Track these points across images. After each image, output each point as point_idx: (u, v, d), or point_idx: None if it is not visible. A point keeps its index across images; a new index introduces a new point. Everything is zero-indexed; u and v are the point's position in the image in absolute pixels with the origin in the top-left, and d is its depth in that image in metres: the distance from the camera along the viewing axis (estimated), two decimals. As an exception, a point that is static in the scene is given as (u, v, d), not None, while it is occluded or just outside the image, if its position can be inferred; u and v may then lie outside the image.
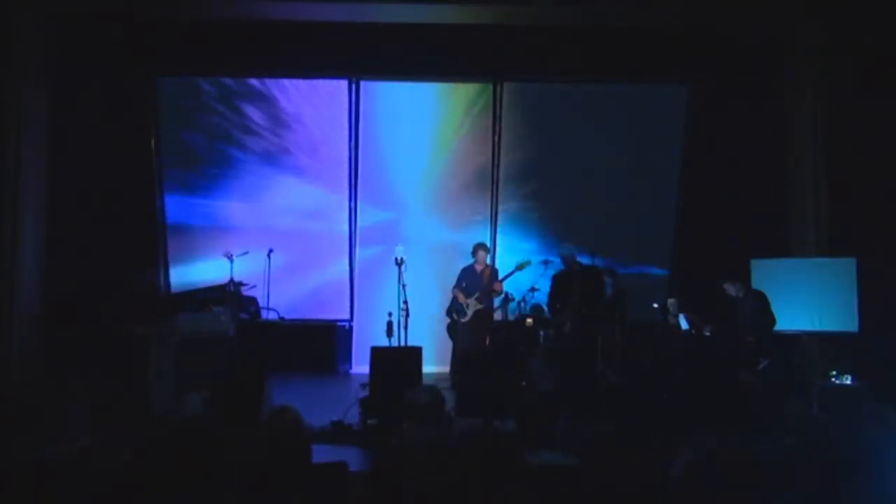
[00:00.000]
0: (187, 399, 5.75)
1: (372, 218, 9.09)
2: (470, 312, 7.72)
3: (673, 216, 8.96)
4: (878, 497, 2.46)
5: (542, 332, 7.45)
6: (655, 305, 7.97)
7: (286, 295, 8.72)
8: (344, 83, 8.78)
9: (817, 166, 7.79)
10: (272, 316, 8.27)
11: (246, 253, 8.14)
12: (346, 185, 8.95)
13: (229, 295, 7.22)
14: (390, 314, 7.40)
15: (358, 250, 9.04)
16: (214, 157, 8.77)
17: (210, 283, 8.04)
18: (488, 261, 8.11)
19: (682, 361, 6.76)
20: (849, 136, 7.50)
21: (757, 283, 7.11)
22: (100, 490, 2.71)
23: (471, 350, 7.64)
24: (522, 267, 7.78)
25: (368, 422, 5.90)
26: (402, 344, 7.01)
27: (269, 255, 8.44)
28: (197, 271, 8.56)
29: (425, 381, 6.20)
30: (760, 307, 6.65)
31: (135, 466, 2.58)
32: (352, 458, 3.97)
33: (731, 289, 6.81)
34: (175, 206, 8.80)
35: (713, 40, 8.12)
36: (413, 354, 6.53)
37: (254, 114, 8.76)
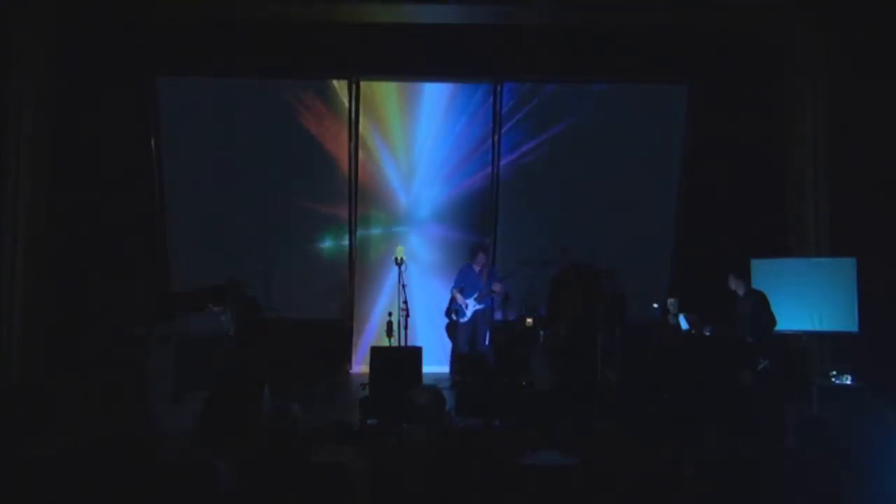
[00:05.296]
0: (187, 399, 5.76)
1: (372, 218, 9.08)
2: (469, 313, 7.72)
3: (673, 216, 8.95)
4: (878, 497, 2.46)
5: (542, 332, 7.45)
6: (655, 305, 7.97)
7: (286, 295, 8.72)
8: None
9: (817, 166, 7.79)
10: (272, 316, 8.27)
11: (246, 252, 8.14)
12: (346, 184, 8.94)
13: (229, 295, 7.21)
14: (390, 314, 7.41)
15: (357, 250, 9.04)
16: (215, 156, 8.76)
17: (210, 283, 8.03)
18: (487, 261, 8.12)
19: (682, 361, 6.76)
20: (849, 135, 7.50)
21: (757, 283, 7.10)
22: (98, 489, 2.71)
23: (470, 350, 7.65)
24: (522, 268, 7.79)
25: (368, 422, 5.90)
26: (402, 344, 7.01)
27: (269, 255, 8.44)
28: (197, 271, 8.55)
29: (425, 381, 6.21)
30: (761, 307, 6.65)
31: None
32: (352, 458, 3.97)
33: (733, 283, 6.82)
34: (175, 206, 8.80)
35: (713, 40, 8.12)
36: (413, 354, 6.54)
37: (255, 112, 8.76)
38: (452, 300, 7.88)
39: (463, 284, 7.84)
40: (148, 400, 5.96)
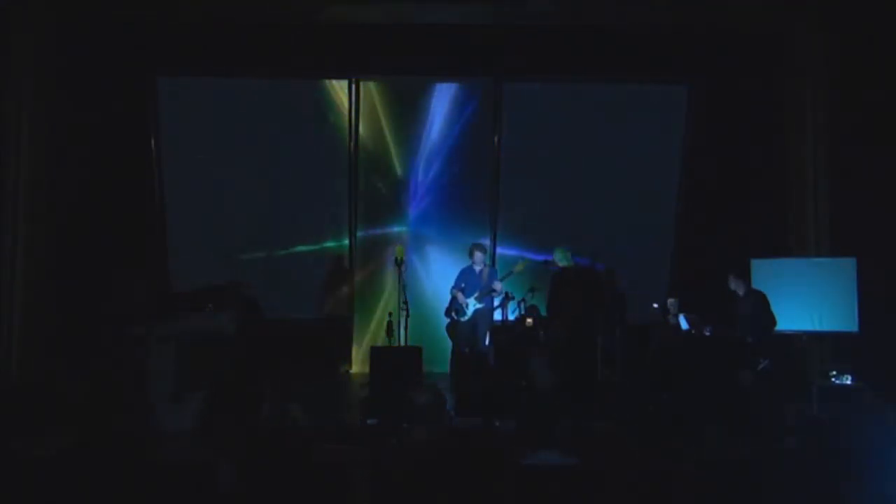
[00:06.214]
0: (187, 399, 5.76)
1: (372, 218, 9.07)
2: (469, 312, 7.72)
3: (673, 216, 8.95)
4: (878, 497, 2.46)
5: (542, 332, 7.45)
6: (655, 305, 7.97)
7: (286, 295, 8.72)
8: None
9: (817, 166, 7.79)
10: (272, 316, 8.26)
11: (246, 252, 8.14)
12: (346, 184, 8.94)
13: (229, 295, 7.22)
14: (390, 314, 7.41)
15: (358, 250, 9.03)
16: (215, 156, 8.76)
17: (210, 283, 8.04)
18: (486, 261, 8.12)
19: (682, 361, 6.75)
20: (849, 135, 7.50)
21: (757, 283, 7.11)
22: (98, 489, 2.71)
23: (470, 350, 7.65)
24: (522, 267, 7.79)
25: (368, 422, 5.91)
26: (402, 344, 7.01)
27: (269, 255, 8.42)
28: (197, 271, 8.55)
29: (425, 381, 6.20)
30: (761, 307, 6.65)
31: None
32: (352, 458, 3.97)
33: (733, 283, 6.83)
34: (175, 206, 8.80)
35: (713, 40, 8.12)
36: (413, 354, 6.55)
37: (255, 112, 8.76)
38: (453, 300, 7.88)
39: (463, 284, 7.84)
40: (148, 400, 5.96)
